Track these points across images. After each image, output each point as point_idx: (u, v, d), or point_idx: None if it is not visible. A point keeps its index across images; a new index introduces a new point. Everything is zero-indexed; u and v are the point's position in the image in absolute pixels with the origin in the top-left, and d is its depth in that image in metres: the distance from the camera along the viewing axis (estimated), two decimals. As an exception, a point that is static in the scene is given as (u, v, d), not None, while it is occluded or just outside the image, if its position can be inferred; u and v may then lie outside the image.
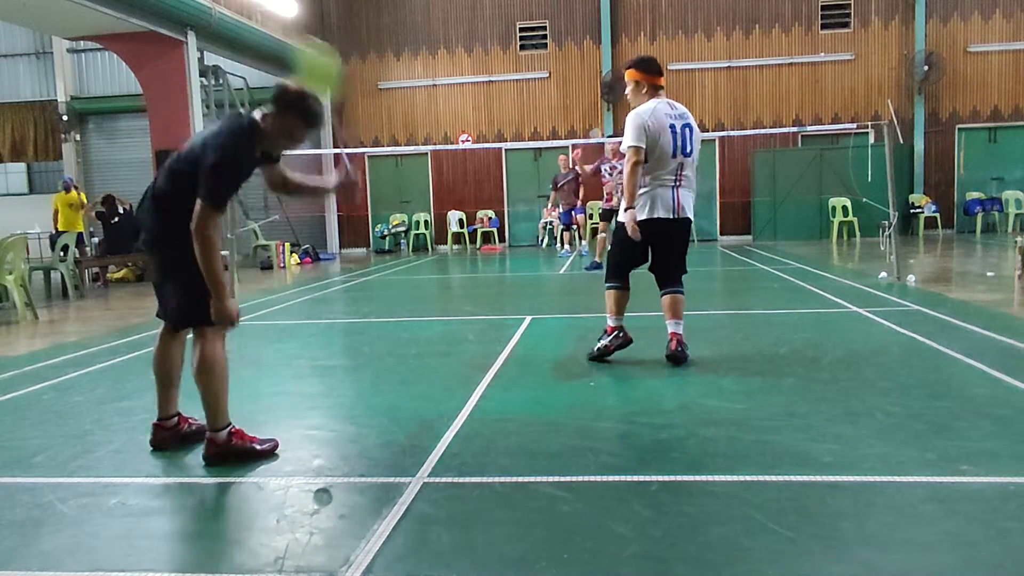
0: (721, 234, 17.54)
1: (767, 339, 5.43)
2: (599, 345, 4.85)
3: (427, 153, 18.17)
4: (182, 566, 2.24)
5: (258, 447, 3.18)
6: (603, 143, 11.54)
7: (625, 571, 2.13)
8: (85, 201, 12.88)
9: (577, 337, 5.77)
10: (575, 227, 13.82)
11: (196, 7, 12.37)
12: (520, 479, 2.84)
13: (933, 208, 16.39)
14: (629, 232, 4.60)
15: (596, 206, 14.91)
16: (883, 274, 8.76)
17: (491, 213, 18.07)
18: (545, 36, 17.81)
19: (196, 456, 3.24)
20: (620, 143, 11.92)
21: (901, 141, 14.21)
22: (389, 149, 18.44)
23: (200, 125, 13.27)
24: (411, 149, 18.11)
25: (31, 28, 17.25)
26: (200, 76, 13.63)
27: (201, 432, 3.26)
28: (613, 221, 10.97)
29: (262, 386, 4.55)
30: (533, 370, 4.69)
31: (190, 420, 3.44)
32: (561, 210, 13.71)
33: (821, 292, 7.75)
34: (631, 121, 4.60)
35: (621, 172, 10.76)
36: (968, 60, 16.70)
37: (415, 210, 18.49)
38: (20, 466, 3.20)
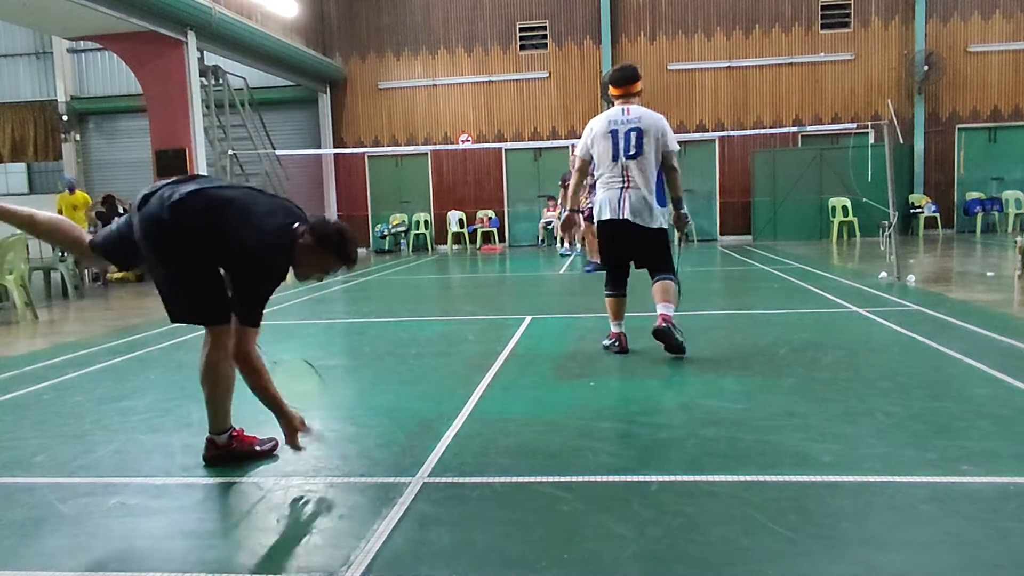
0: (721, 234, 17.54)
1: (767, 339, 5.43)
2: (604, 343, 5.13)
3: (427, 153, 18.18)
4: (182, 566, 2.23)
5: (258, 448, 3.19)
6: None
7: (625, 571, 2.13)
8: (90, 201, 12.87)
9: (577, 337, 5.77)
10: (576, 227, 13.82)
11: (196, 7, 12.37)
12: (520, 479, 2.84)
13: (933, 208, 16.39)
14: (561, 227, 5.39)
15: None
16: (883, 274, 8.76)
17: (491, 213, 18.07)
18: (545, 36, 17.81)
19: (196, 456, 3.24)
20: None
21: (901, 141, 14.24)
22: (389, 149, 18.44)
23: (200, 125, 13.27)
24: (411, 149, 18.11)
25: (31, 28, 17.24)
26: (200, 76, 13.62)
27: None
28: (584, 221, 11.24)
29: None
30: (533, 370, 4.69)
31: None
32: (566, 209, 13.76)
33: (821, 292, 7.75)
34: (584, 131, 5.14)
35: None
36: (968, 60, 16.70)
37: (415, 210, 18.49)
38: (20, 466, 3.20)
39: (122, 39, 12.58)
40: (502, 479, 2.84)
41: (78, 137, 19.10)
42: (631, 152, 4.83)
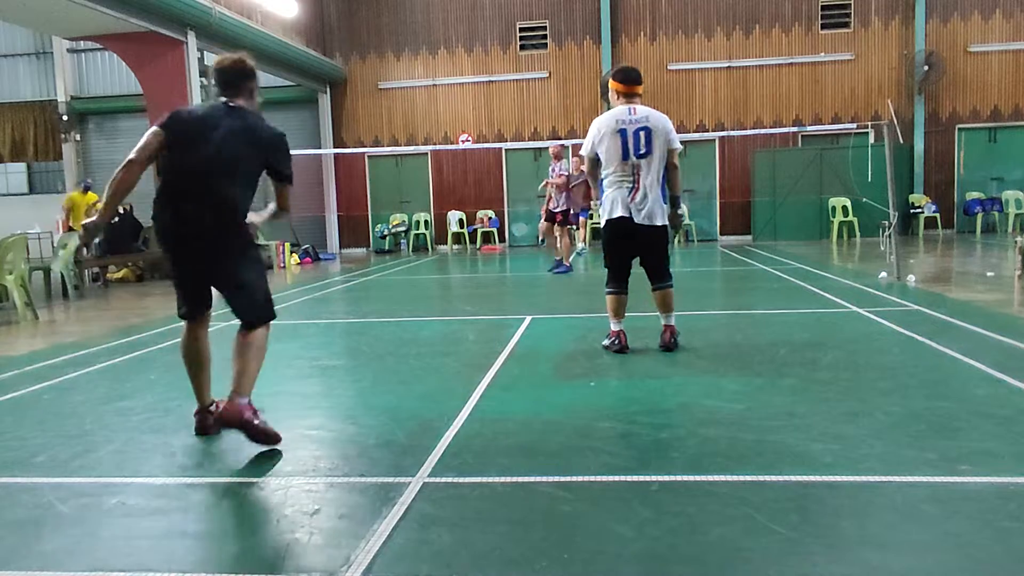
0: (721, 234, 17.53)
1: (767, 339, 5.43)
2: (604, 342, 5.13)
3: (427, 153, 18.17)
4: (182, 566, 2.24)
5: (260, 426, 3.30)
6: (547, 147, 12.00)
7: (625, 571, 2.13)
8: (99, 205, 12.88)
9: (577, 337, 5.77)
10: (573, 227, 13.85)
11: (196, 7, 12.37)
12: (520, 479, 2.84)
13: (933, 208, 16.39)
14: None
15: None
16: (883, 274, 8.76)
17: (491, 213, 18.07)
18: (545, 36, 17.81)
19: (196, 456, 3.25)
20: (560, 147, 12.40)
21: (901, 141, 14.22)
22: (389, 149, 18.44)
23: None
24: (411, 149, 18.10)
25: (31, 28, 17.23)
26: (200, 76, 13.61)
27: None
28: (554, 223, 11.36)
29: (262, 386, 4.51)
30: (533, 370, 4.69)
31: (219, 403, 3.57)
32: (575, 209, 13.94)
33: (821, 292, 7.75)
34: (589, 130, 5.09)
35: (556, 173, 11.34)
36: (968, 60, 16.70)
37: (415, 210, 18.49)
38: (20, 466, 3.20)
39: (122, 39, 12.58)
40: (502, 479, 2.84)
41: (78, 137, 19.09)
42: (641, 151, 4.86)
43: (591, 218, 15.53)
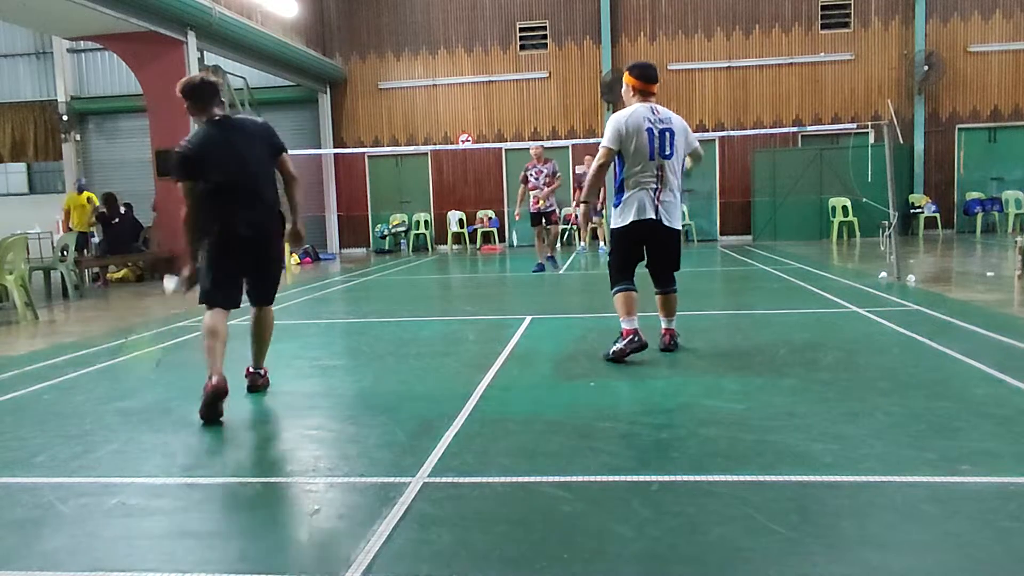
0: (721, 234, 17.53)
1: (767, 339, 5.43)
2: (614, 348, 4.78)
3: (427, 153, 18.17)
4: (182, 566, 2.24)
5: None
6: (529, 147, 12.00)
7: (625, 571, 2.13)
8: (97, 203, 12.87)
9: (577, 337, 5.77)
10: (574, 227, 13.88)
11: (196, 7, 12.37)
12: (520, 479, 2.84)
13: (933, 208, 16.39)
14: (581, 220, 5.43)
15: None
16: (883, 274, 8.76)
17: (491, 213, 18.07)
18: (545, 36, 17.81)
19: (196, 456, 3.25)
20: (543, 148, 12.26)
21: (901, 141, 14.22)
22: (389, 149, 18.44)
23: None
24: (411, 149, 18.10)
25: (31, 28, 17.24)
26: (200, 76, 13.61)
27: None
28: (544, 223, 11.42)
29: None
30: (533, 370, 4.69)
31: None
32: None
33: (821, 292, 7.75)
34: (610, 123, 4.86)
35: (546, 174, 11.32)
36: (968, 60, 16.70)
37: (415, 210, 18.49)
38: (20, 466, 3.20)
39: (122, 39, 12.58)
40: (502, 479, 2.84)
41: (78, 137, 19.09)
42: (667, 152, 4.75)
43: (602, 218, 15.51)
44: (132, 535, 2.48)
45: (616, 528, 2.38)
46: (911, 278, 8.33)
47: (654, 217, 4.76)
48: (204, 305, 3.96)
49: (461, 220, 18.12)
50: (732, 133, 15.81)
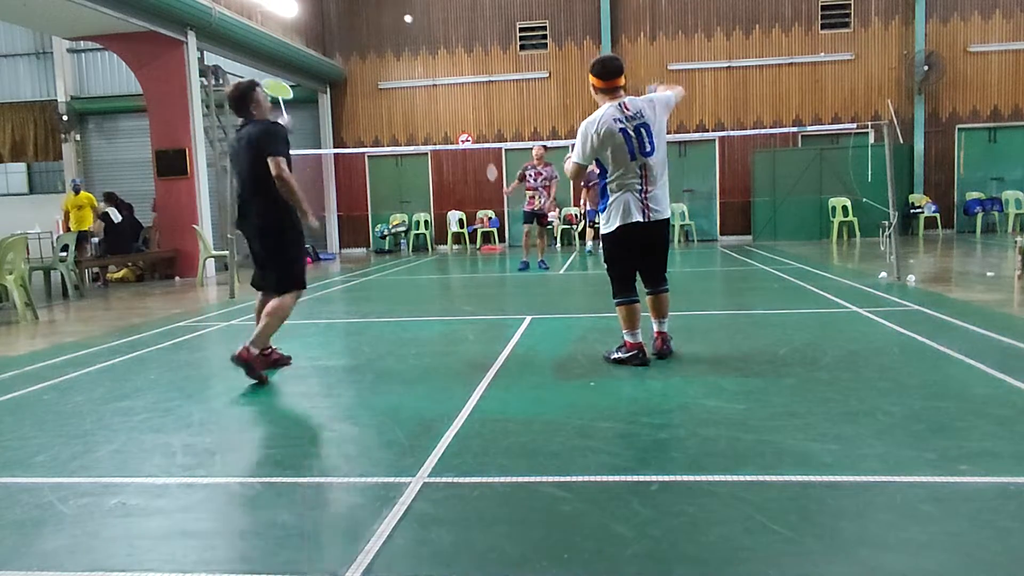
0: (721, 234, 17.53)
1: (767, 339, 5.43)
2: (616, 355, 4.74)
3: (427, 153, 18.17)
4: (182, 566, 2.24)
5: (259, 372, 4.48)
6: (531, 147, 12.11)
7: (625, 571, 2.13)
8: (96, 203, 12.85)
9: (577, 337, 5.77)
10: (574, 227, 13.97)
11: (196, 7, 12.36)
12: (520, 479, 2.84)
13: (933, 208, 16.39)
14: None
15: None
16: (883, 274, 8.76)
17: (491, 213, 18.06)
18: (545, 36, 17.80)
19: (196, 456, 3.25)
20: (544, 148, 12.31)
21: (901, 141, 14.21)
22: (389, 149, 18.44)
23: (200, 125, 13.27)
24: (411, 149, 18.10)
25: (31, 28, 17.24)
26: (200, 76, 13.61)
27: (281, 360, 5.01)
28: (535, 223, 11.54)
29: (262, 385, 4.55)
30: (533, 370, 4.69)
31: (274, 350, 5.02)
32: (588, 208, 14.33)
33: (821, 292, 7.75)
34: (579, 135, 4.68)
35: (545, 177, 11.42)
36: (968, 60, 16.69)
37: (415, 210, 18.49)
38: (20, 466, 3.20)
39: (122, 39, 12.58)
40: (502, 479, 2.84)
41: (78, 137, 19.08)
42: (647, 149, 4.57)
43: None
44: (132, 535, 2.48)
45: (616, 528, 2.38)
46: (911, 278, 8.33)
47: (641, 220, 4.59)
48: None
49: (461, 220, 18.11)
50: (732, 133, 15.79)
